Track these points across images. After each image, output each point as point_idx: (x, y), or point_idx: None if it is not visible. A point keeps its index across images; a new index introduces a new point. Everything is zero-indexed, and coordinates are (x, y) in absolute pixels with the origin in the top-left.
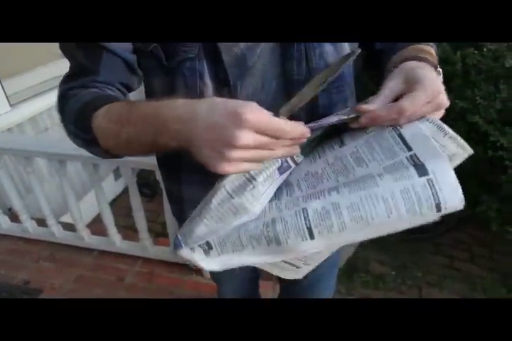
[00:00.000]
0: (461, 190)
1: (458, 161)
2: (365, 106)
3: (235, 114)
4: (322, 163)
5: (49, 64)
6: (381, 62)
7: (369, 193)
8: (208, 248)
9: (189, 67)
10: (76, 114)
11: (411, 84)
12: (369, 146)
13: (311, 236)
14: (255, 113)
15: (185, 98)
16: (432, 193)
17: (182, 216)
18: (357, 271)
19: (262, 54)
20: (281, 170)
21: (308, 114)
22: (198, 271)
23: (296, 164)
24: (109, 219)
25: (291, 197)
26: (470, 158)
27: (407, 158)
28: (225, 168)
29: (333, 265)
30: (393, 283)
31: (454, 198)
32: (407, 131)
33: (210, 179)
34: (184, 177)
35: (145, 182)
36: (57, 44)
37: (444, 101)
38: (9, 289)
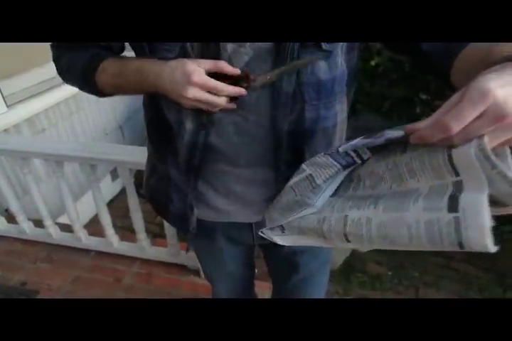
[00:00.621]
0: (489, 234)
1: None
2: (410, 126)
3: (187, 76)
4: (384, 166)
5: (46, 65)
6: (436, 65)
7: (398, 216)
8: (282, 229)
9: None
10: (80, 75)
11: (463, 93)
12: (421, 161)
13: (347, 240)
14: (200, 76)
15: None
16: (456, 231)
17: (166, 203)
18: (354, 272)
19: (250, 62)
20: (344, 165)
21: (291, 126)
22: (196, 271)
23: (362, 160)
24: (106, 220)
25: (354, 192)
26: None
27: (453, 182)
28: (183, 101)
29: (325, 262)
30: (390, 284)
31: (478, 241)
32: (457, 153)
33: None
34: (169, 159)
35: (142, 182)
36: None
37: (504, 113)
38: (6, 290)
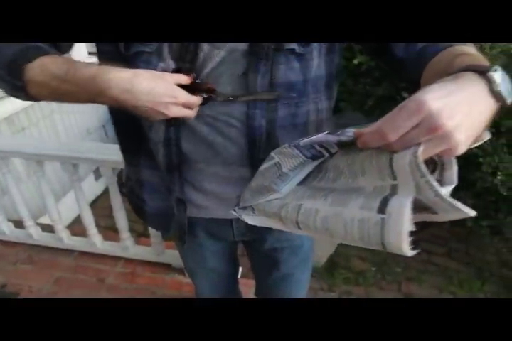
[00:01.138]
0: (406, 239)
1: (446, 215)
2: (358, 131)
3: (170, 96)
4: (345, 161)
5: None
6: (408, 71)
7: (339, 211)
8: (252, 210)
9: (145, 60)
10: (9, 61)
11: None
12: (370, 161)
13: (299, 228)
14: (183, 95)
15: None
16: (381, 232)
17: (140, 205)
18: (338, 268)
19: (221, 63)
20: (310, 157)
21: (264, 125)
22: (180, 270)
23: (331, 154)
24: (89, 220)
25: (318, 183)
26: None
27: (390, 185)
28: (157, 117)
29: (305, 259)
30: (373, 279)
31: (396, 244)
32: (396, 158)
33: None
34: (143, 160)
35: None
36: None
37: (437, 124)
38: None
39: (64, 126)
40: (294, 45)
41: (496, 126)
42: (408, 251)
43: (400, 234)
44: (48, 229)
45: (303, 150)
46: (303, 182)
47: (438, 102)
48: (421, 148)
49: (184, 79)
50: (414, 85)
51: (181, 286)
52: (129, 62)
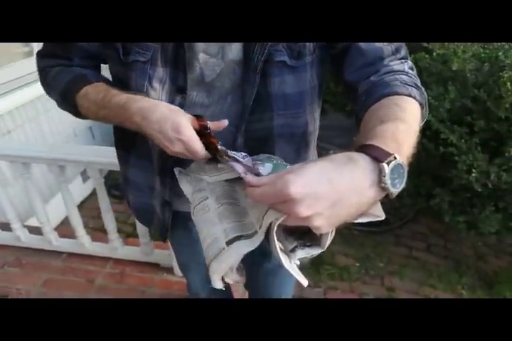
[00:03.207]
0: (217, 275)
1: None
2: (252, 181)
3: (176, 131)
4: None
5: (8, 65)
6: (356, 106)
7: (214, 222)
8: (186, 176)
9: (140, 69)
10: (62, 92)
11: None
12: (256, 204)
13: (193, 214)
14: (190, 134)
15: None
16: (214, 257)
17: (127, 198)
18: (323, 264)
19: (222, 74)
20: (248, 169)
21: (261, 133)
22: (169, 269)
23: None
24: (77, 221)
25: (237, 188)
26: (424, 154)
27: (254, 231)
28: (168, 150)
29: None
30: (357, 274)
31: (212, 272)
32: (268, 214)
33: (151, 167)
34: (132, 160)
35: (114, 183)
36: (16, 45)
37: (295, 210)
38: None
39: (50, 128)
40: (284, 58)
41: (470, 126)
42: (215, 282)
43: (218, 268)
44: (36, 231)
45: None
46: (233, 180)
47: (301, 191)
48: (281, 218)
49: (194, 122)
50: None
51: (170, 285)
52: (128, 68)
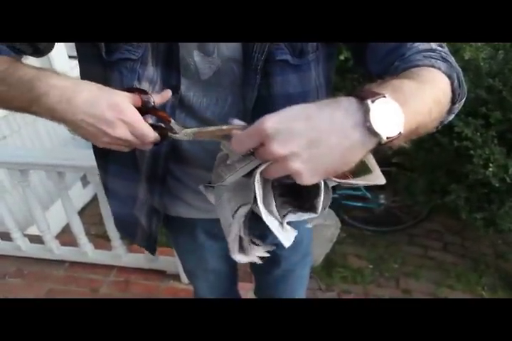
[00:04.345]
0: (233, 242)
1: None
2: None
3: (117, 111)
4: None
5: None
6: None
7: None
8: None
9: (129, 67)
10: None
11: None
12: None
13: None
14: (134, 114)
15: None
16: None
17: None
18: (335, 267)
19: (219, 72)
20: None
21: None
22: (175, 276)
23: None
24: (78, 229)
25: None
26: (437, 149)
27: (253, 197)
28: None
29: (305, 254)
30: (371, 277)
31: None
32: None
33: (134, 174)
34: (111, 168)
35: None
36: None
37: (269, 150)
38: None
39: (48, 133)
40: (286, 56)
41: (485, 117)
42: (233, 252)
43: (229, 235)
44: (37, 239)
45: None
46: (248, 174)
47: (275, 126)
48: (262, 167)
49: (135, 99)
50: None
51: (177, 292)
52: (111, 68)
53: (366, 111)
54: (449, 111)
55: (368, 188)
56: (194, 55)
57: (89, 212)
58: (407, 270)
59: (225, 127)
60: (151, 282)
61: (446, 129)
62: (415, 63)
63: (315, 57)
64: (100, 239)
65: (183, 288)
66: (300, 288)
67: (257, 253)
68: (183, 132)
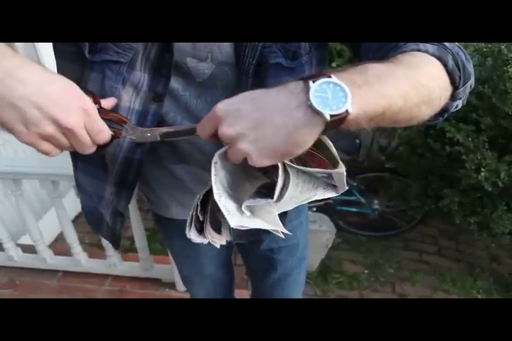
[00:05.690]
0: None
1: None
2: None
3: (79, 98)
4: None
5: None
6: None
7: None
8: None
9: (114, 70)
10: None
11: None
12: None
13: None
14: (94, 107)
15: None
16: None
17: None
18: (331, 272)
19: (213, 76)
20: None
21: None
22: (171, 284)
23: None
24: (72, 238)
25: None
26: (430, 155)
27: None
28: (26, 139)
29: (301, 258)
30: (367, 282)
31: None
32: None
33: (101, 174)
34: (79, 165)
35: None
36: None
37: (220, 131)
38: None
39: None
40: (280, 59)
41: (476, 123)
42: (188, 230)
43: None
44: (30, 249)
45: None
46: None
47: (224, 108)
48: (222, 150)
49: (88, 96)
50: None
51: None
52: (91, 68)
53: (307, 91)
54: (453, 97)
55: (363, 194)
56: (187, 62)
57: (82, 221)
58: (402, 275)
59: (191, 125)
60: (146, 291)
61: (438, 135)
62: (403, 49)
63: (308, 60)
64: (94, 248)
65: (179, 296)
66: (296, 293)
67: (216, 240)
68: (148, 134)
